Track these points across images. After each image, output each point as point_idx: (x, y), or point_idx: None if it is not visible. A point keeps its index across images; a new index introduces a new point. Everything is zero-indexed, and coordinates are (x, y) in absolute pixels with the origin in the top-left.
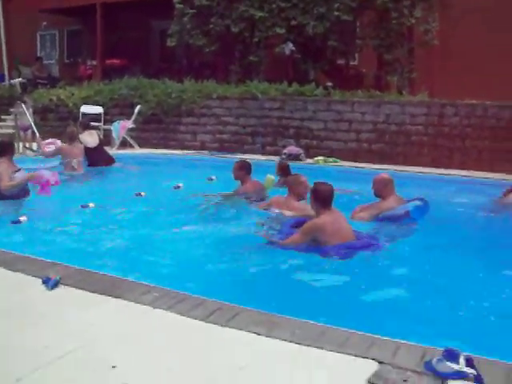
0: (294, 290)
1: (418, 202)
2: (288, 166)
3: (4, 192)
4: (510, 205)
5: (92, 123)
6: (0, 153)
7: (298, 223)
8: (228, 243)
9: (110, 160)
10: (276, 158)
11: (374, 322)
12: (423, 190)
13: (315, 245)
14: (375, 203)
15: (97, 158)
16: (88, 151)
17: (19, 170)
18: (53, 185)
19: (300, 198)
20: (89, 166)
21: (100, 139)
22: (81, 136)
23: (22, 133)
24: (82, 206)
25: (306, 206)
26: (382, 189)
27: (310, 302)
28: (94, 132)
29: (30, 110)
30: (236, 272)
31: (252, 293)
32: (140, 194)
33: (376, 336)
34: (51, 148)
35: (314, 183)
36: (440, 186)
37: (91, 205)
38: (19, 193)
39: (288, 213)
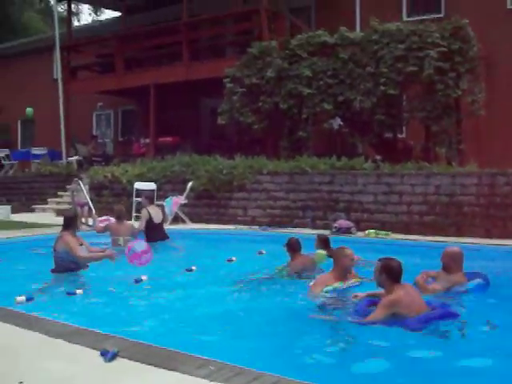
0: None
1: (480, 280)
2: (327, 238)
3: (79, 261)
4: None
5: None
6: (64, 226)
7: (373, 303)
8: (281, 319)
9: (166, 237)
10: (326, 232)
11: None
12: (478, 261)
13: (393, 321)
14: (445, 275)
15: (156, 233)
16: (150, 226)
17: (81, 244)
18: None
19: (345, 270)
20: (146, 240)
21: (163, 216)
22: (149, 209)
23: (78, 209)
24: (136, 280)
25: None
26: (453, 262)
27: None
28: (157, 208)
29: (87, 186)
30: (293, 347)
31: (312, 368)
32: (191, 269)
33: None
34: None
35: (383, 260)
36: (494, 256)
37: (144, 278)
38: (79, 266)
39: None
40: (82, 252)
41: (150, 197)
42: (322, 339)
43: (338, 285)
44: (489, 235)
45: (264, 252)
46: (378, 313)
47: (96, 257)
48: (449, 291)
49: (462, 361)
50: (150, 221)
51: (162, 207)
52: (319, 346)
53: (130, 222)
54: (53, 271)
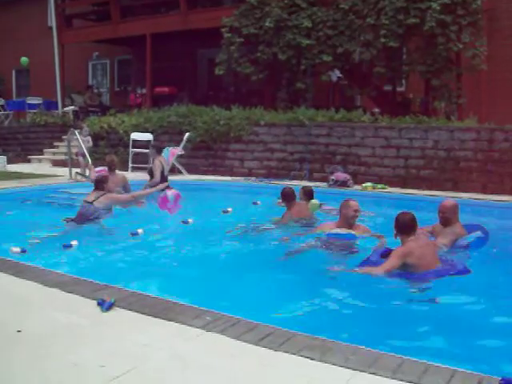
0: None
1: (480, 233)
2: (312, 190)
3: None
4: None
5: (141, 150)
6: (99, 188)
7: (385, 253)
8: (283, 268)
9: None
10: (323, 185)
11: (428, 349)
12: (474, 216)
13: (404, 272)
14: (447, 229)
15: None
16: (161, 177)
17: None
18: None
19: (349, 221)
20: None
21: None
22: (160, 159)
23: (80, 158)
24: (132, 234)
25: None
26: (453, 215)
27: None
28: (164, 158)
29: (88, 136)
30: (300, 297)
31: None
32: (187, 221)
33: (430, 363)
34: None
35: (397, 214)
36: (490, 212)
37: (140, 231)
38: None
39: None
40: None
41: (157, 146)
42: (324, 289)
43: (340, 230)
44: (485, 190)
45: (259, 203)
46: (390, 262)
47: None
48: (453, 244)
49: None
50: (162, 171)
51: None
52: (320, 297)
53: (121, 172)
54: (73, 220)
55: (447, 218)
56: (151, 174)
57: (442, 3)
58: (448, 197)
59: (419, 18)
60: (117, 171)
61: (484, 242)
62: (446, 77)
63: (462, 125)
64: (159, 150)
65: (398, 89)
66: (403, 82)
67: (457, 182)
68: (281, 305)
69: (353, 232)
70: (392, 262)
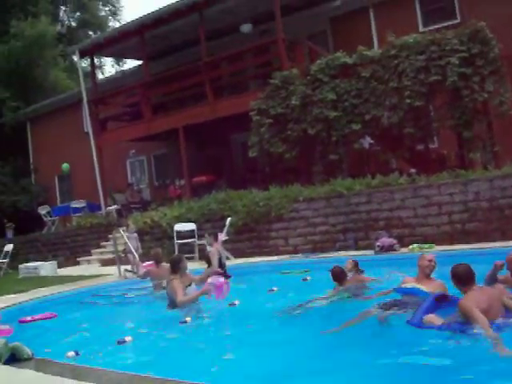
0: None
1: None
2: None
3: (179, 306)
4: None
5: (186, 240)
6: (173, 268)
7: (439, 296)
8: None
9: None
10: (370, 252)
11: None
12: None
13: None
14: None
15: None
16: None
17: (190, 283)
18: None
19: (425, 272)
20: None
21: None
22: (216, 245)
23: (130, 256)
24: (181, 322)
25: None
26: None
27: None
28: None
29: (134, 234)
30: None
31: None
32: (234, 303)
33: None
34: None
35: (451, 269)
36: None
37: (188, 319)
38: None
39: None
40: (182, 296)
41: (213, 233)
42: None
43: (414, 284)
44: None
45: (308, 278)
46: (475, 314)
47: (194, 297)
48: None
49: None
50: (219, 258)
51: (204, 246)
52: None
53: (167, 264)
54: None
55: None
56: (208, 261)
57: (460, 56)
58: (497, 247)
59: (440, 74)
60: (163, 264)
61: None
62: (476, 127)
63: (500, 173)
64: (216, 237)
65: (431, 146)
66: (435, 138)
67: (504, 231)
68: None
69: (418, 286)
70: (475, 312)
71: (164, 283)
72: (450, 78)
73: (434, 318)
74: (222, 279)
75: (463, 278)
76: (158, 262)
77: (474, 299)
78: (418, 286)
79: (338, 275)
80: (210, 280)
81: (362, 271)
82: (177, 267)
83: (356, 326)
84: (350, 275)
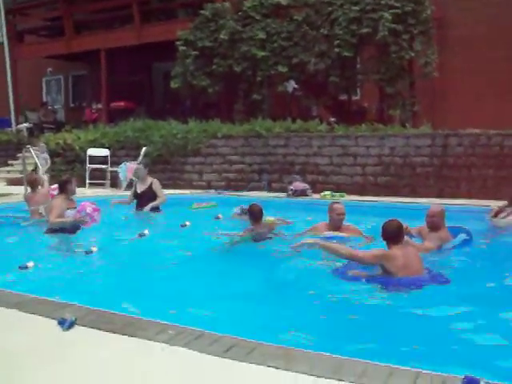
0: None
1: (465, 235)
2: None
3: (52, 226)
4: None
5: (98, 165)
6: (60, 188)
7: None
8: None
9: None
10: (282, 195)
11: (391, 353)
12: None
13: (383, 275)
14: (434, 233)
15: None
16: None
17: (74, 207)
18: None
19: (336, 223)
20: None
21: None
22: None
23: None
24: (86, 252)
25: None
26: (441, 220)
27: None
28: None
29: (46, 154)
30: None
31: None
32: (143, 233)
33: (394, 366)
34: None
35: (383, 222)
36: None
37: (94, 249)
38: (69, 229)
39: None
40: (55, 217)
41: (146, 164)
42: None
43: (326, 233)
44: (442, 195)
45: (221, 216)
46: (367, 254)
47: (65, 221)
48: (440, 249)
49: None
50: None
51: (116, 173)
52: (283, 302)
53: (44, 188)
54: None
55: (436, 222)
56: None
57: (393, 13)
58: (405, 202)
59: (372, 27)
60: (39, 188)
61: (469, 243)
62: (399, 85)
63: (417, 131)
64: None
65: (354, 98)
66: (358, 90)
67: (414, 188)
68: (245, 313)
69: (342, 234)
70: (368, 254)
71: (41, 209)
72: (380, 32)
73: (357, 272)
74: (92, 207)
75: (389, 234)
76: (32, 188)
77: (390, 254)
78: (340, 234)
79: (257, 213)
80: (80, 208)
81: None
82: (64, 188)
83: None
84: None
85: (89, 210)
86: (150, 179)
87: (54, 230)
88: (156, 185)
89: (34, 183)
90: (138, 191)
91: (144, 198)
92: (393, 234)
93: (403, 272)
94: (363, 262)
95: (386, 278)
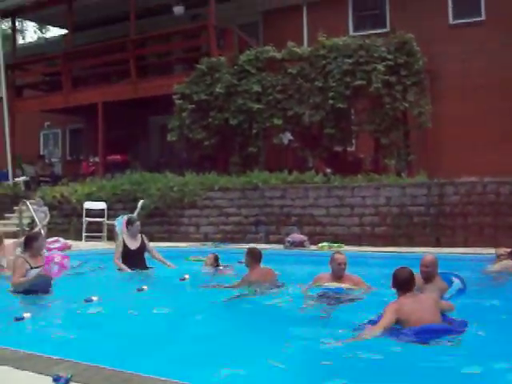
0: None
1: (459, 282)
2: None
3: (15, 288)
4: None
5: (95, 219)
6: (25, 245)
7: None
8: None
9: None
10: (279, 247)
11: None
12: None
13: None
14: (430, 285)
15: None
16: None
17: (41, 266)
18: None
19: (337, 274)
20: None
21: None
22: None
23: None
24: (86, 301)
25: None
26: (435, 269)
27: None
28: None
29: (45, 207)
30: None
31: None
32: (142, 288)
33: None
34: (55, 245)
35: (395, 270)
36: (443, 265)
37: (95, 298)
38: (40, 288)
39: (343, 285)
40: (17, 278)
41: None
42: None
43: (327, 284)
44: (439, 244)
45: (187, 277)
46: (384, 318)
47: (28, 280)
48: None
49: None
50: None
51: (113, 226)
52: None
53: (9, 241)
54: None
55: (430, 272)
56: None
57: (386, 65)
58: (402, 252)
59: (365, 79)
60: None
61: (464, 292)
62: (394, 135)
63: (413, 181)
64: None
65: (349, 149)
66: (353, 142)
67: (411, 237)
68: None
69: (343, 285)
70: (387, 318)
71: (3, 261)
72: (374, 83)
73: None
74: (60, 255)
75: (400, 282)
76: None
77: (398, 304)
78: (341, 285)
79: (256, 255)
80: (48, 260)
81: (226, 266)
82: (29, 245)
83: None
84: (208, 269)
85: (57, 259)
86: (138, 235)
87: (24, 292)
88: (147, 240)
89: None
90: (132, 248)
91: (139, 255)
92: (404, 282)
93: (412, 321)
94: (388, 327)
95: (399, 329)
